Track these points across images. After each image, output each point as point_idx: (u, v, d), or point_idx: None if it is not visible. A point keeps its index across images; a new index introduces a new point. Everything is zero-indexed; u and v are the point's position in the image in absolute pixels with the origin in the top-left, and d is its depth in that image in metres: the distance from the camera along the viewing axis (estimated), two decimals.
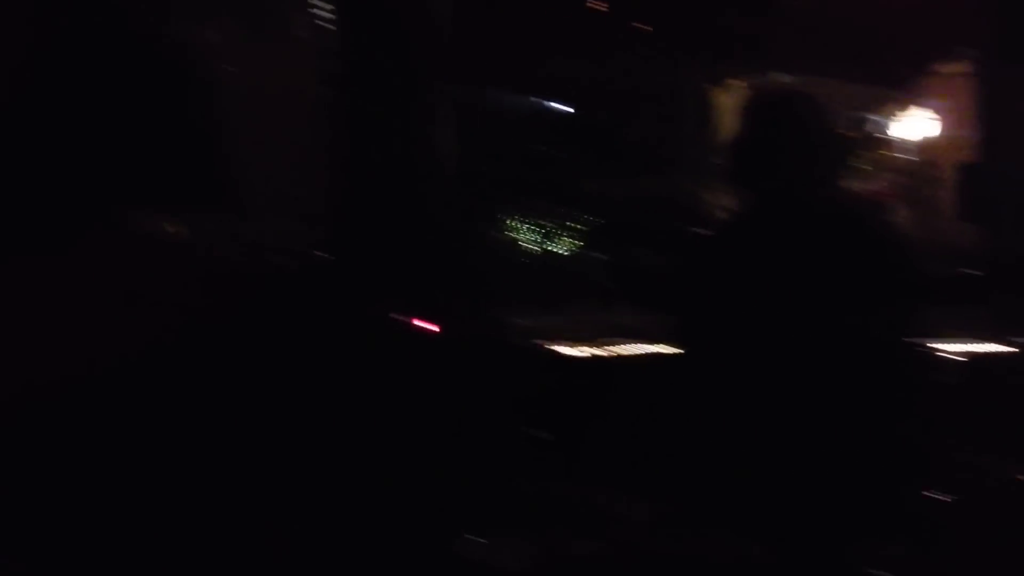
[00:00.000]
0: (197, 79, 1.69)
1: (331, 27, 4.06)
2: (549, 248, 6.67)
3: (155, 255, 1.86)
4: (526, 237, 6.45)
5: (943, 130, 7.82)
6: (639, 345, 4.55)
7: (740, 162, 3.03)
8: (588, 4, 6.31)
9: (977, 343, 4.73)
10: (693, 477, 2.92)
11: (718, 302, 2.92)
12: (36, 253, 1.41)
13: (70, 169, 1.52)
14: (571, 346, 4.57)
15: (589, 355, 4.56)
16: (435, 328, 3.48)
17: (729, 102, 7.15)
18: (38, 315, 1.37)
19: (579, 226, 6.77)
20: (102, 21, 1.59)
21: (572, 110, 6.99)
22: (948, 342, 4.45)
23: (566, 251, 6.66)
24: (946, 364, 4.22)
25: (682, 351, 3.04)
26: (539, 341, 4.44)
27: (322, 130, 3.92)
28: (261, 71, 3.99)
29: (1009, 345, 4.70)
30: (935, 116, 7.82)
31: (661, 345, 3.92)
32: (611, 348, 4.61)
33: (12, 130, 1.49)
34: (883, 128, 7.89)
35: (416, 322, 3.34)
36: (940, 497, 3.14)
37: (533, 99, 6.83)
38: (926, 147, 7.88)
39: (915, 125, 7.89)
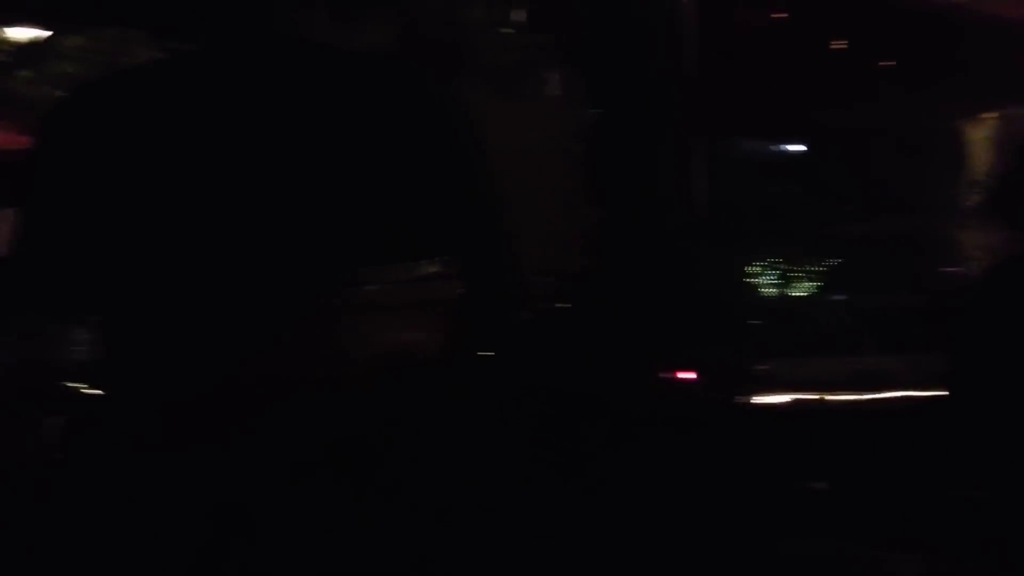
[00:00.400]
0: (456, 140, 1.76)
1: (581, 83, 4.16)
2: (793, 292, 6.58)
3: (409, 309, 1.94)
4: (771, 283, 6.38)
5: None
6: (891, 391, 4.44)
7: (1009, 199, 2.95)
8: (832, 45, 6.23)
9: None
10: (962, 528, 2.83)
11: (991, 345, 2.83)
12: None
13: (337, 231, 1.63)
14: (822, 394, 4.49)
15: (842, 403, 4.47)
16: (692, 378, 3.49)
17: (979, 137, 6.91)
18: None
19: (823, 268, 6.66)
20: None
21: (815, 151, 6.90)
22: None
23: (811, 295, 6.56)
24: None
25: (949, 397, 2.96)
26: (790, 390, 4.39)
27: (575, 185, 4.00)
28: (513, 130, 4.11)
29: None
30: None
31: (914, 391, 3.81)
32: (864, 395, 4.52)
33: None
34: None
35: (676, 374, 3.36)
36: None
37: (775, 143, 6.78)
38: None
39: None
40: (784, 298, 6.32)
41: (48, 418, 1.78)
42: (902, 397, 4.22)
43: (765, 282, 6.31)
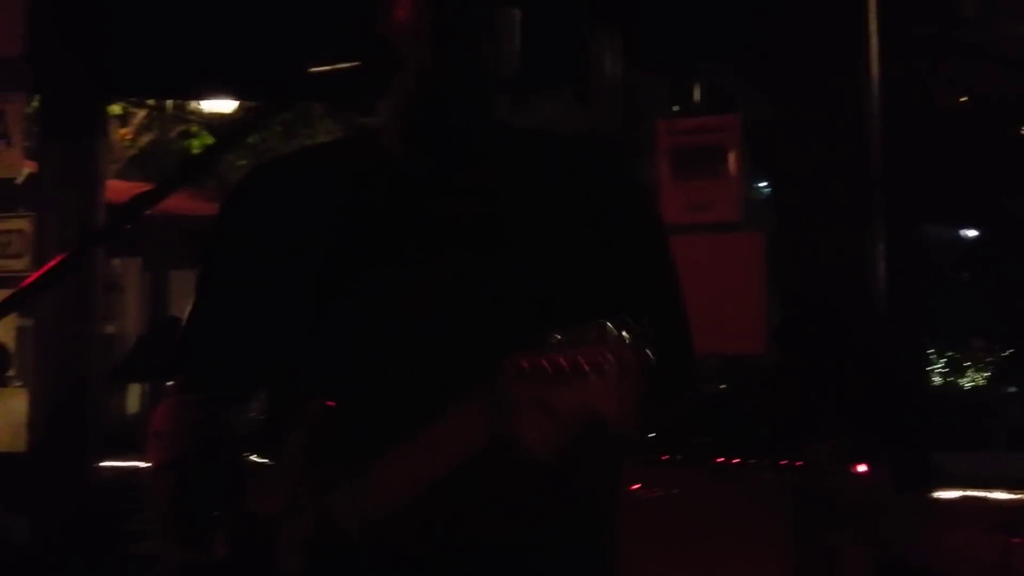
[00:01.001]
0: (643, 216, 1.75)
1: (759, 163, 4.13)
2: (972, 383, 6.36)
3: None
4: (950, 373, 6.18)
5: None
6: None
7: None
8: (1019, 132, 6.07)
9: None
10: None
11: None
12: None
13: None
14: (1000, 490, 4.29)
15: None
16: (867, 471, 3.39)
17: None
18: None
19: (1004, 358, 6.41)
20: None
21: (998, 238, 6.69)
22: None
23: (990, 386, 6.32)
24: None
25: None
26: (967, 485, 4.21)
27: (750, 265, 3.96)
28: (691, 210, 4.10)
29: None
30: None
31: None
32: None
33: None
34: None
35: (857, 467, 3.27)
36: None
37: (958, 229, 6.61)
38: None
39: None
40: (963, 389, 6.10)
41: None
42: None
43: (944, 372, 6.11)
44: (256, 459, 1.68)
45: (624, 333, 1.32)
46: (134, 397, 8.94)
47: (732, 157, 4.02)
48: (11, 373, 5.39)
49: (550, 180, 1.65)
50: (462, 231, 1.62)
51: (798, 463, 3.46)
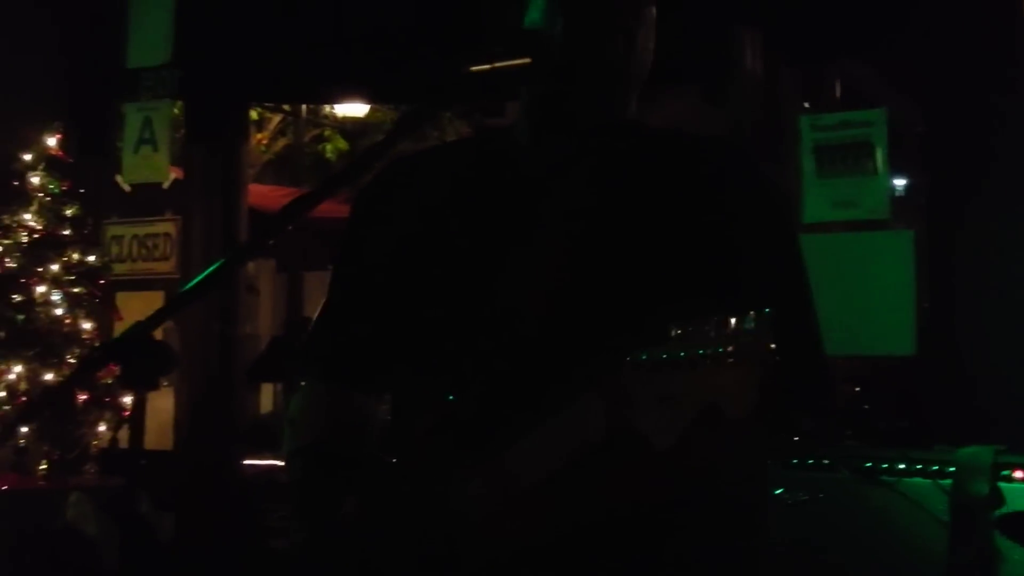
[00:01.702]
0: (775, 215, 1.72)
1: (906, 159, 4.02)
2: None
3: None
4: None
5: None
6: None
7: None
8: None
9: None
10: None
11: None
12: None
13: None
14: None
15: None
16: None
17: None
18: None
19: None
20: None
21: None
22: None
23: None
24: None
25: None
26: None
27: (893, 266, 3.86)
28: (833, 207, 4.02)
29: None
30: None
31: None
32: None
33: None
34: None
35: (1016, 473, 3.16)
36: None
37: None
38: None
39: None
40: None
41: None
42: None
43: None
44: (384, 450, 1.70)
45: (746, 326, 1.32)
46: (267, 397, 9.13)
47: (879, 152, 3.92)
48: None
49: (677, 179, 1.63)
50: (586, 226, 1.62)
51: (950, 467, 3.35)
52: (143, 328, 1.49)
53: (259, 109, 10.17)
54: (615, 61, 1.61)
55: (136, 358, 1.49)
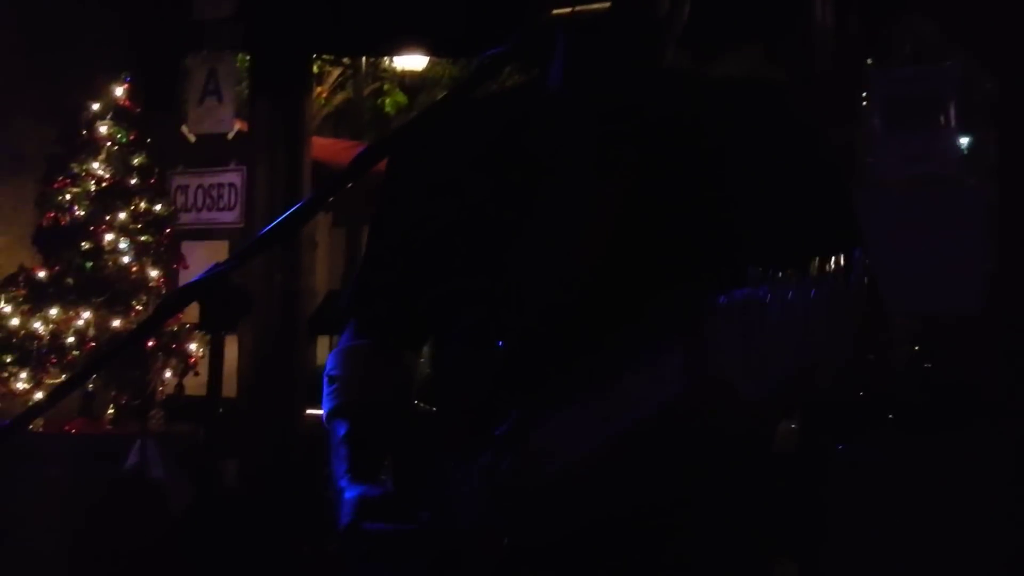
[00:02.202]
0: (817, 156, 1.70)
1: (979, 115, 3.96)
2: None
3: None
4: None
5: None
6: None
7: None
8: None
9: None
10: None
11: None
12: None
13: None
14: None
15: None
16: None
17: None
18: None
19: None
20: None
21: None
22: None
23: None
24: None
25: None
26: None
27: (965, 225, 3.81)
28: (905, 162, 3.97)
29: None
30: None
31: None
32: None
33: None
34: None
35: None
36: None
37: None
38: None
39: None
40: None
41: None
42: None
43: None
44: (425, 406, 1.70)
45: (828, 266, 1.27)
46: (323, 350, 9.21)
47: (951, 107, 3.86)
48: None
49: (717, 122, 1.59)
50: (626, 172, 1.59)
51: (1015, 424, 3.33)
52: (222, 270, 1.50)
53: (319, 63, 10.18)
54: (653, 10, 1.57)
55: (215, 300, 1.50)
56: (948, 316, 4.04)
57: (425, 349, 1.79)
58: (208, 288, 1.49)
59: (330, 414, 1.72)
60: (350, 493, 1.59)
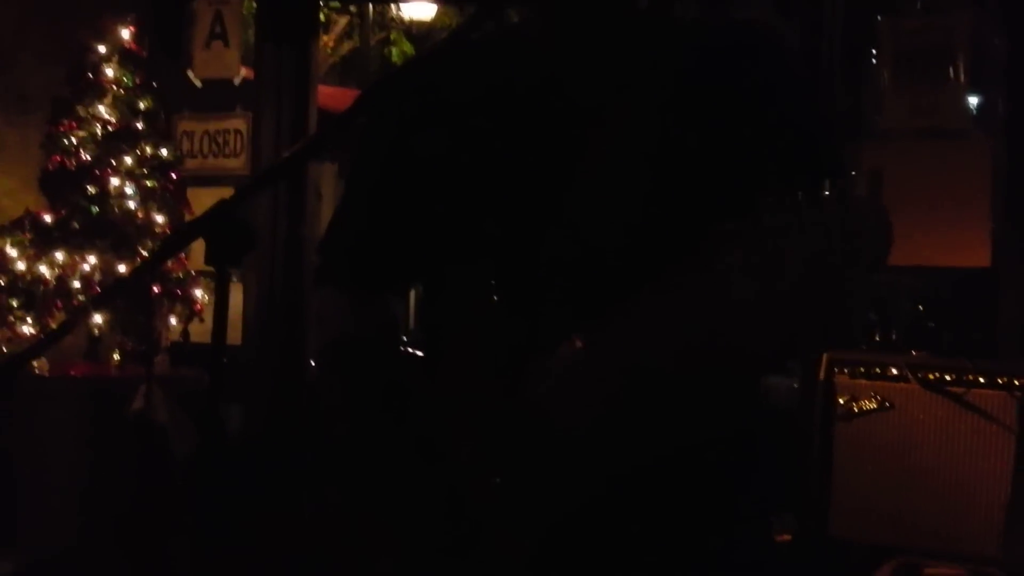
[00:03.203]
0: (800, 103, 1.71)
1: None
2: None
3: None
4: None
5: None
6: None
7: None
8: None
9: None
10: None
11: None
12: None
13: None
14: None
15: None
16: None
17: None
18: None
19: None
20: None
21: None
22: None
23: None
24: None
25: None
26: None
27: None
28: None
29: None
30: None
31: None
32: None
33: None
34: None
35: None
36: None
37: None
38: None
39: None
40: None
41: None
42: None
43: None
44: (415, 351, 1.69)
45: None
46: None
47: (961, 59, 3.83)
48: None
49: (697, 67, 1.58)
50: (608, 117, 1.58)
51: (1020, 380, 3.33)
52: (227, 206, 1.50)
53: (326, 11, 10.11)
54: None
55: (220, 235, 1.50)
56: (952, 272, 4.04)
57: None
58: (213, 223, 1.50)
59: (319, 351, 1.79)
60: (341, 428, 1.64)
